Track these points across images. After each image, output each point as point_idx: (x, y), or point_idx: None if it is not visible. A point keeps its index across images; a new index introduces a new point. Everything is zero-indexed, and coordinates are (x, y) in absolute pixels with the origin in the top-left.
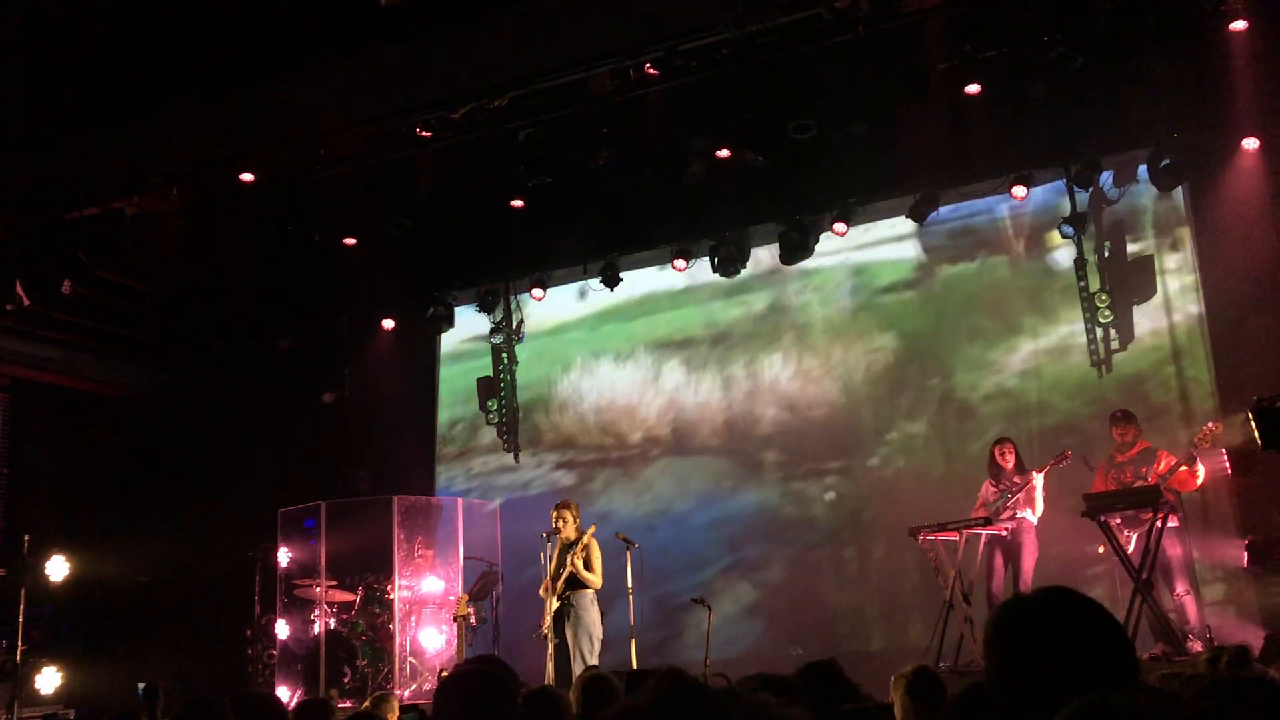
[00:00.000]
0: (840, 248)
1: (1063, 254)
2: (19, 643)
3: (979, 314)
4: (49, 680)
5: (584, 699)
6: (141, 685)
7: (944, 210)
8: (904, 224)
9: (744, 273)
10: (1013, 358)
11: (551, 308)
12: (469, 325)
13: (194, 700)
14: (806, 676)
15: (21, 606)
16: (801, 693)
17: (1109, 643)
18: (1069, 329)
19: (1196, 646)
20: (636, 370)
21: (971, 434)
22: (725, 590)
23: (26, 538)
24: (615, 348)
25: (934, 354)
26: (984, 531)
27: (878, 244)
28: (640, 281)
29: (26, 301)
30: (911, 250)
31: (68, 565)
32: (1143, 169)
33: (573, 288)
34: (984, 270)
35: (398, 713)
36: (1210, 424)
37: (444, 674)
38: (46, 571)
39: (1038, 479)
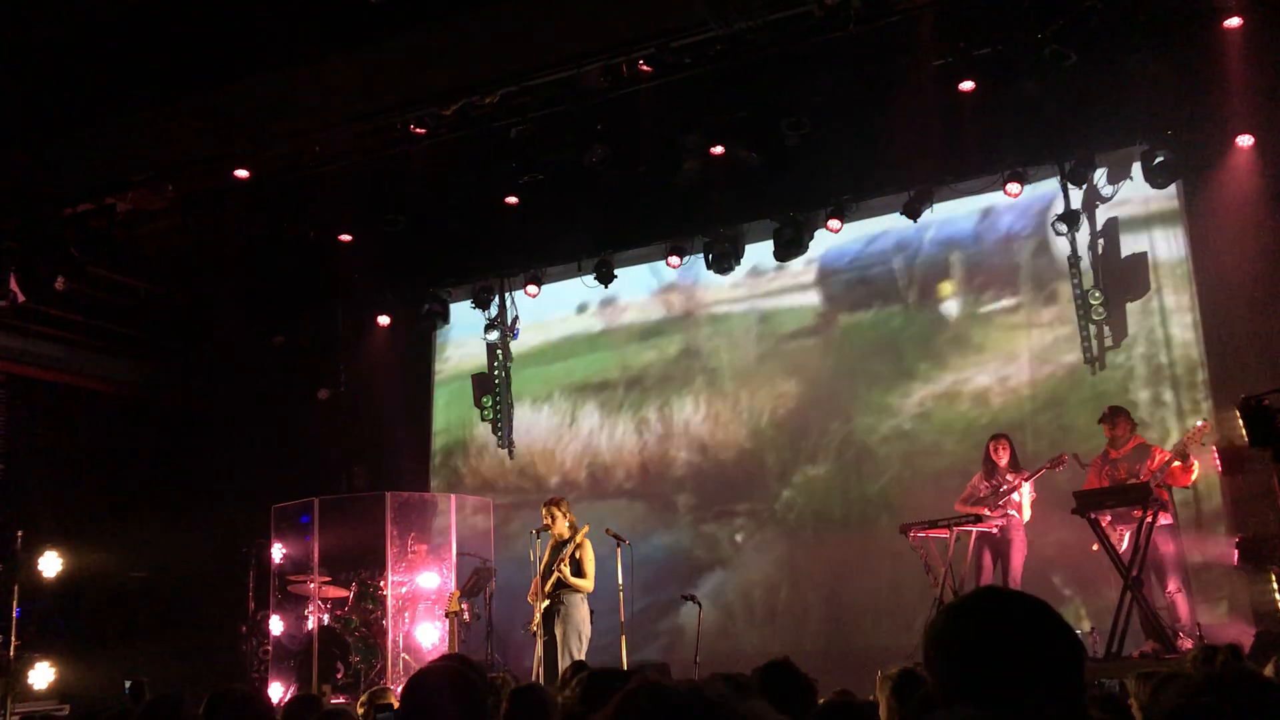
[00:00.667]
0: (748, 294)
1: (950, 305)
2: (12, 638)
3: (876, 360)
4: (42, 675)
5: (583, 696)
6: (128, 683)
7: (843, 260)
8: (807, 272)
9: (657, 315)
10: (907, 401)
11: (470, 351)
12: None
13: (156, 698)
14: (765, 676)
15: (15, 602)
16: (759, 691)
17: (1046, 640)
18: (956, 376)
19: (1187, 644)
20: (554, 414)
21: (869, 475)
22: (641, 630)
23: (20, 533)
24: (533, 392)
25: (835, 399)
26: (974, 529)
27: (783, 292)
28: (558, 327)
29: (21, 297)
30: (814, 298)
31: (61, 561)
32: (1137, 166)
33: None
34: (879, 319)
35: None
36: (1201, 422)
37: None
38: (40, 567)
39: (1025, 487)
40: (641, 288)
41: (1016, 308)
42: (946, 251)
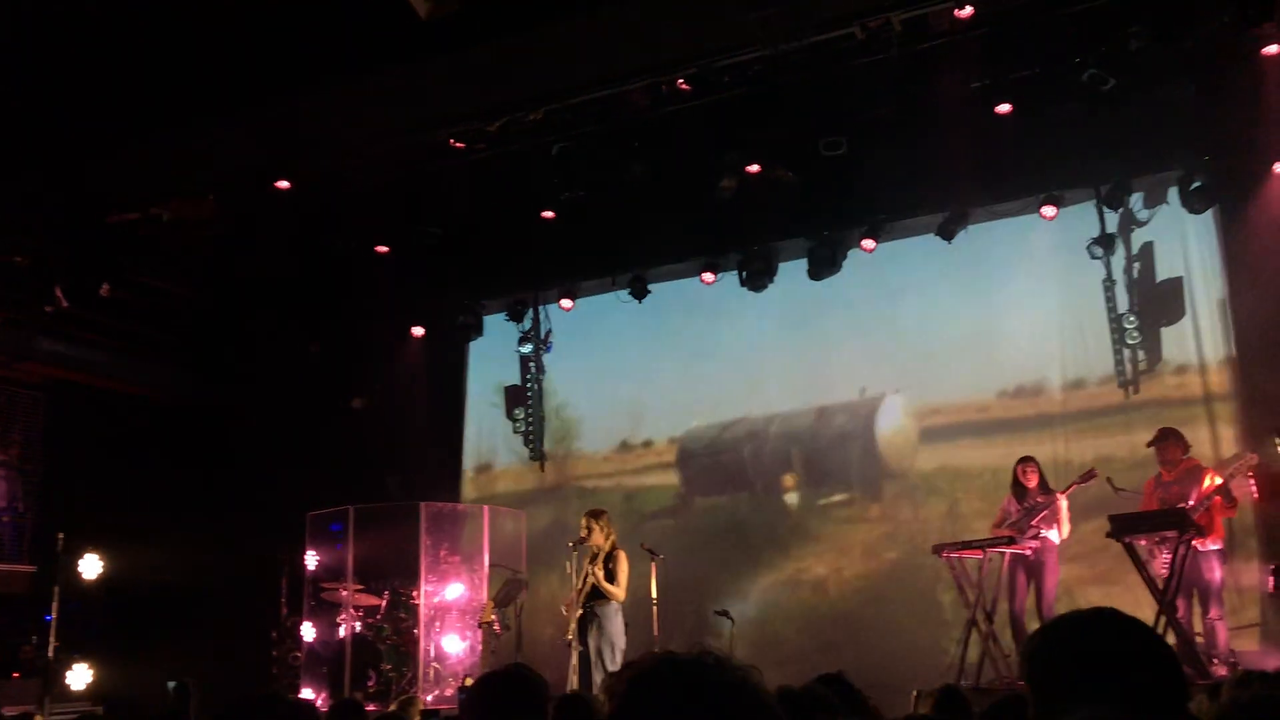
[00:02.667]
0: (617, 470)
1: (792, 497)
2: (51, 639)
3: (726, 545)
4: (80, 677)
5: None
6: (172, 684)
7: (700, 444)
8: (669, 452)
9: (530, 485)
10: (754, 586)
11: (505, 363)
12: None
13: (245, 697)
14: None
15: (55, 604)
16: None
17: (1154, 663)
18: (798, 565)
19: (1221, 671)
20: None
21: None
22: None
23: (60, 536)
24: None
25: (691, 579)
26: (1007, 550)
27: (648, 470)
28: None
29: (65, 304)
30: (674, 478)
31: (101, 564)
32: (1173, 191)
33: None
34: (732, 504)
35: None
36: (1249, 454)
37: (468, 680)
38: (80, 569)
39: (1063, 501)
40: (513, 455)
41: (849, 502)
42: (788, 445)
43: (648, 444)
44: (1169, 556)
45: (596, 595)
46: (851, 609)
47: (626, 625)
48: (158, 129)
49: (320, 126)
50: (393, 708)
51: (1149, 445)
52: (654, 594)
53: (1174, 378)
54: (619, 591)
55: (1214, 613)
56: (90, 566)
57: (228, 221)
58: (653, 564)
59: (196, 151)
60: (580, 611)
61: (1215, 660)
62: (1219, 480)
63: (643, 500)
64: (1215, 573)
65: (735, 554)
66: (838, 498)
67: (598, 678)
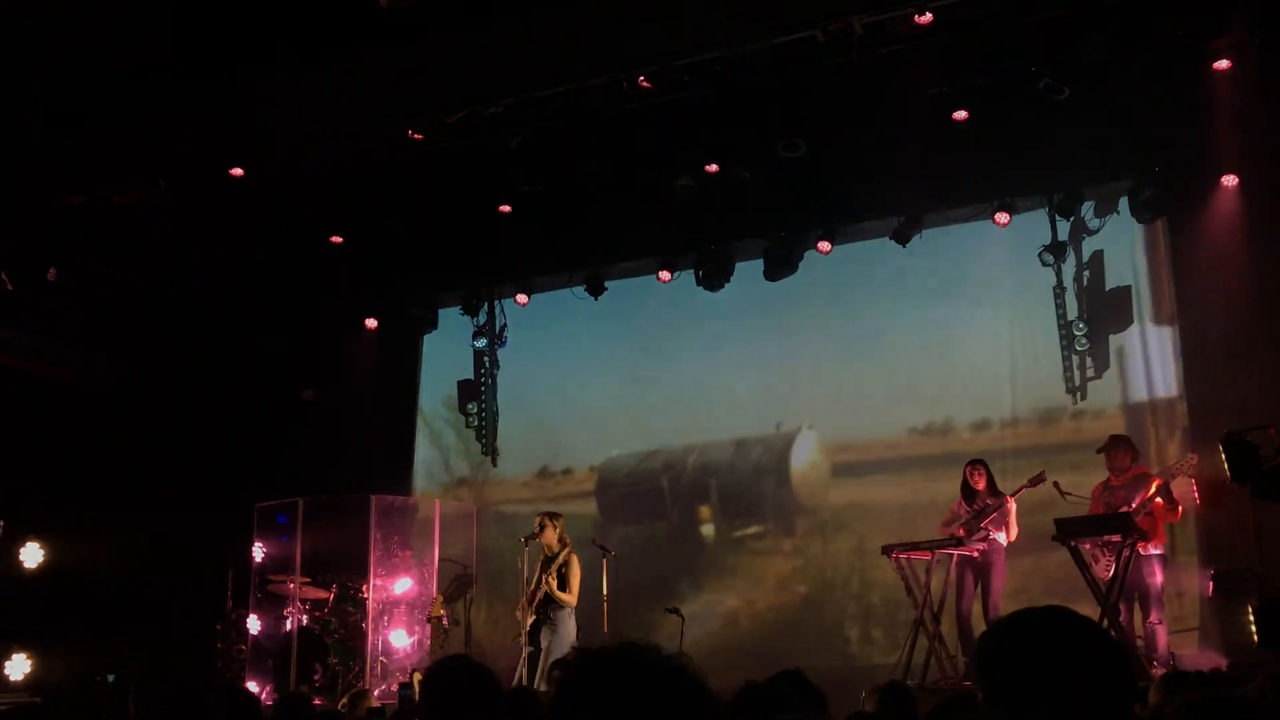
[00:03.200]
0: (536, 496)
1: (708, 529)
2: None
3: (642, 576)
4: (18, 667)
5: None
6: (110, 677)
7: (620, 473)
8: (589, 480)
9: (448, 510)
10: (668, 619)
11: (458, 358)
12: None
13: (178, 687)
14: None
15: None
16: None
17: (1108, 662)
18: (712, 596)
19: (1160, 673)
20: None
21: None
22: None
23: (0, 523)
24: None
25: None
26: (955, 552)
27: (568, 498)
28: None
29: (10, 288)
30: (594, 507)
31: (42, 552)
32: (1124, 201)
33: None
34: (649, 534)
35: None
36: (1190, 455)
37: (416, 675)
38: (20, 558)
39: (1012, 505)
40: (432, 482)
41: (763, 535)
42: (706, 476)
43: (567, 472)
44: (1112, 560)
45: (551, 600)
46: (762, 642)
47: (579, 628)
48: (108, 112)
49: (276, 114)
50: (343, 702)
51: (1099, 451)
52: (605, 592)
53: (1120, 385)
54: (571, 599)
55: (1154, 616)
56: (31, 555)
57: (179, 208)
58: (604, 561)
59: (148, 136)
60: (534, 617)
61: (1155, 663)
62: (1159, 485)
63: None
64: (1157, 577)
65: (651, 585)
66: (752, 530)
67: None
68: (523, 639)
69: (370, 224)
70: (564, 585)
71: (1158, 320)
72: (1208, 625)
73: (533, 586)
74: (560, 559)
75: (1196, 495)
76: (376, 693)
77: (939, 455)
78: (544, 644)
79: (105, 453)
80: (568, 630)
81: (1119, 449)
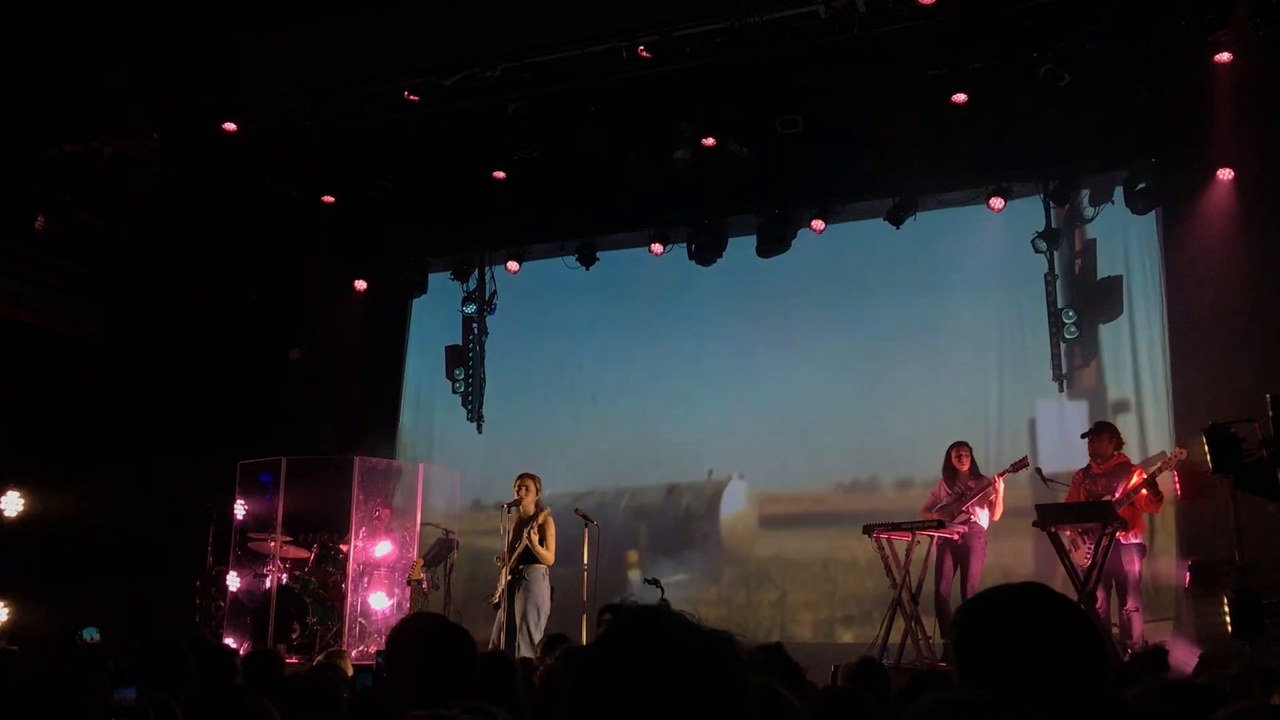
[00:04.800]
0: (467, 530)
1: (635, 574)
2: None
3: (564, 617)
4: None
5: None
6: (82, 633)
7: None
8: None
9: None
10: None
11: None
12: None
13: (158, 639)
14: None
15: None
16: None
17: (1080, 637)
18: None
19: None
20: None
21: None
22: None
23: None
24: None
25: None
26: (936, 534)
27: (495, 532)
28: None
29: None
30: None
31: (22, 501)
32: (1119, 191)
33: None
34: (574, 576)
35: (350, 670)
36: (1177, 449)
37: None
38: (1, 506)
39: (1000, 484)
40: (417, 446)
41: (690, 583)
42: (637, 520)
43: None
44: (1090, 547)
45: (527, 560)
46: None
47: (553, 590)
48: (103, 61)
49: (272, 70)
50: (319, 659)
51: (1083, 436)
52: (585, 561)
53: (1108, 374)
54: (550, 554)
55: (1131, 604)
56: (11, 504)
57: (170, 161)
58: (585, 530)
59: (143, 87)
60: (509, 577)
61: (1130, 649)
62: (1144, 477)
63: (489, 564)
64: (1135, 565)
65: (572, 630)
66: (679, 578)
67: (521, 642)
68: (499, 600)
69: (363, 185)
70: (542, 542)
71: (1148, 311)
72: (1183, 615)
73: (507, 546)
74: (540, 519)
75: (1177, 486)
76: (354, 653)
77: (863, 511)
78: (518, 608)
79: (89, 403)
80: (542, 591)
81: (1104, 436)
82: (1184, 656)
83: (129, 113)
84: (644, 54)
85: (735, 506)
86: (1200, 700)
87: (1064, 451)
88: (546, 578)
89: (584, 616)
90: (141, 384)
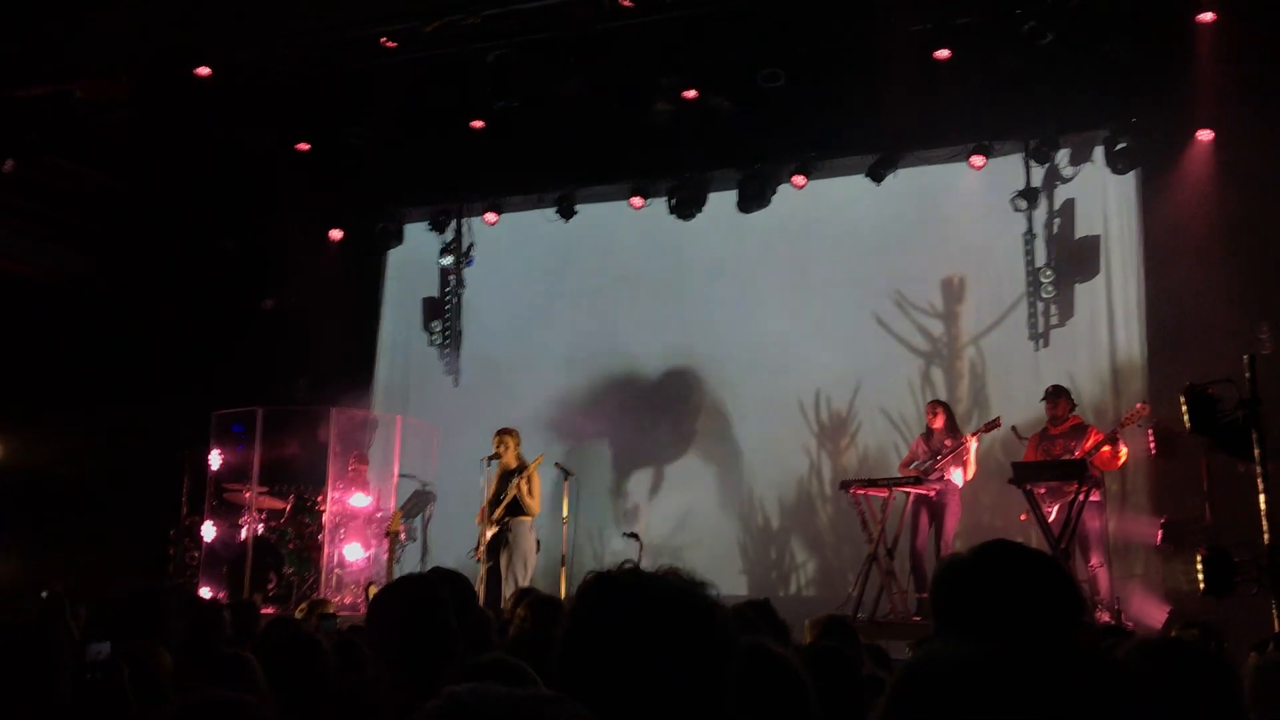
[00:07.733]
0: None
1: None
2: None
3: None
4: None
5: (534, 618)
6: (44, 594)
7: None
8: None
9: None
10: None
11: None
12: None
13: (137, 592)
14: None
15: None
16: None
17: (1058, 588)
18: None
19: (1104, 616)
20: None
21: None
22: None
23: None
24: None
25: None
26: (912, 490)
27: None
28: None
29: None
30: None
31: None
32: (1099, 150)
33: None
34: None
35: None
36: (1139, 404)
37: (372, 588)
38: None
39: (972, 443)
40: (393, 398)
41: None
42: None
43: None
44: (1053, 507)
45: (511, 512)
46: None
47: (538, 543)
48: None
49: (246, 13)
50: (302, 608)
51: (1041, 400)
52: (565, 513)
53: (1084, 333)
54: (535, 504)
55: (1095, 560)
56: None
57: (143, 105)
58: (565, 483)
59: (115, 28)
60: (494, 529)
61: (1099, 606)
62: (1100, 436)
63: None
64: (1095, 522)
65: (552, 580)
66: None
67: (507, 593)
68: (480, 554)
69: (339, 133)
70: (530, 494)
71: (1124, 271)
72: (1151, 573)
73: (490, 498)
74: (527, 472)
75: (1152, 445)
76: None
77: None
78: (503, 560)
79: (62, 350)
80: (527, 544)
81: (1061, 399)
82: (1151, 610)
83: (99, 55)
84: (626, 3)
85: None
86: (1191, 659)
87: (1040, 410)
88: (533, 530)
89: (563, 570)
90: (114, 331)
